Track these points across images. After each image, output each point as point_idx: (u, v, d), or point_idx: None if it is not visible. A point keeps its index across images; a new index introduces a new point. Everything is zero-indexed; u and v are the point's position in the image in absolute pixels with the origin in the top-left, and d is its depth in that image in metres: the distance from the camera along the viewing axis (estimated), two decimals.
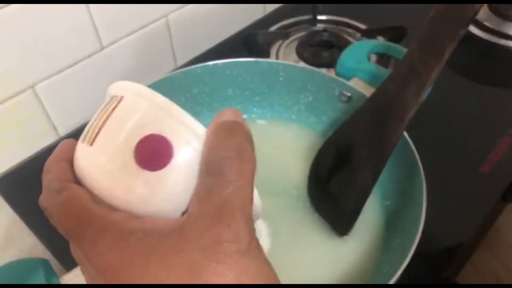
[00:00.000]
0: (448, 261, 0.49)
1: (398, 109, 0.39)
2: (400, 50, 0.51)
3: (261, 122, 0.55)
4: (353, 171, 0.43)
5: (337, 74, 0.51)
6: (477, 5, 0.36)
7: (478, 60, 0.71)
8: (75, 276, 0.35)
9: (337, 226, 0.45)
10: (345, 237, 0.46)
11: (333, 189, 0.45)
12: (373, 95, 0.41)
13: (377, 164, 0.41)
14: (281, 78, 0.53)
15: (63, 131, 0.60)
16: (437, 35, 0.38)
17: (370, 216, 0.47)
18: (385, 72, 0.49)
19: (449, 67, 0.58)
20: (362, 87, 0.48)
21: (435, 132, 0.58)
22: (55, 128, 0.59)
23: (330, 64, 0.65)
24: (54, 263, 0.46)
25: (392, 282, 0.35)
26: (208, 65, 0.51)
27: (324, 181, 0.45)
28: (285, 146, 0.54)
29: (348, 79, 0.50)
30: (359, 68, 0.50)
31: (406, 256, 0.36)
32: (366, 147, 0.41)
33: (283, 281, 0.42)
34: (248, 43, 0.70)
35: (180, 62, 0.70)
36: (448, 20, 0.37)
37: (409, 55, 0.39)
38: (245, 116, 0.55)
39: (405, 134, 0.43)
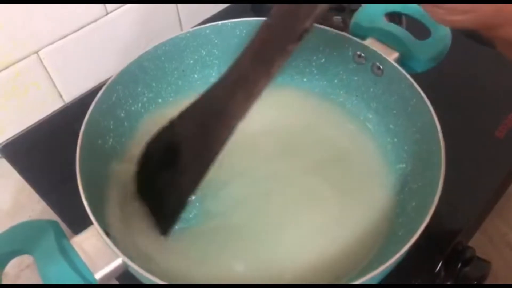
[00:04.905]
0: (460, 227, 0.48)
1: (224, 117, 0.36)
2: (417, 9, 0.48)
3: (271, 86, 0.53)
4: (177, 173, 0.40)
5: (351, 34, 0.49)
6: (307, 22, 0.32)
7: None
8: (85, 238, 0.35)
9: (159, 224, 0.42)
10: (357, 200, 0.45)
11: (159, 185, 0.42)
12: (202, 97, 0.38)
13: (198, 172, 0.38)
14: None
15: (68, 97, 0.59)
16: (268, 45, 0.35)
17: (383, 179, 0.46)
18: (402, 30, 0.47)
19: (466, 35, 0.57)
20: (377, 47, 0.46)
21: (451, 96, 0.57)
22: (60, 95, 0.58)
23: (341, 28, 0.63)
24: (63, 228, 0.45)
25: (408, 246, 0.34)
26: (217, 24, 0.49)
27: (152, 173, 0.43)
28: (294, 111, 0.53)
29: (362, 39, 0.48)
30: (374, 27, 0.48)
31: (423, 220, 0.35)
32: (191, 151, 0.39)
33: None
34: (256, 7, 0.68)
35: (186, 27, 0.68)
36: (279, 32, 0.34)
37: (240, 62, 0.36)
38: None
39: (423, 94, 0.42)
